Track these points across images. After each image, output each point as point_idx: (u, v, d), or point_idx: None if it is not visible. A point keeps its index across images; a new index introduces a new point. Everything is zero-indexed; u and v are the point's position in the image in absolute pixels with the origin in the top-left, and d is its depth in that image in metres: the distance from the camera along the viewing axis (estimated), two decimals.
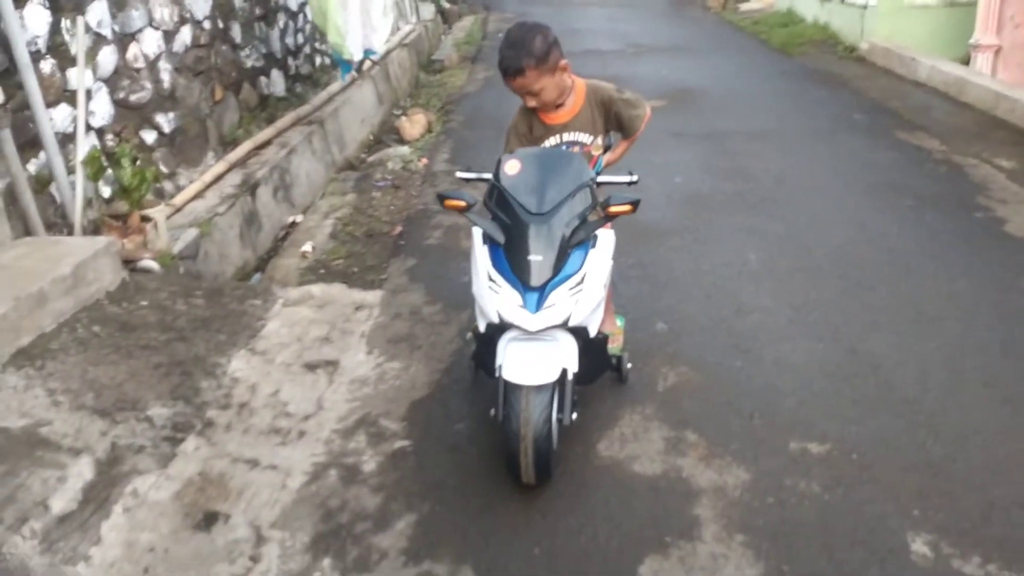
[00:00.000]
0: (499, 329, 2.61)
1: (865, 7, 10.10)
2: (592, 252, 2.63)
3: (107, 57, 4.27)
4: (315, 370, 3.32)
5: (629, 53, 10.99)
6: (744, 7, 14.67)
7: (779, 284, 4.09)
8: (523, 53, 2.76)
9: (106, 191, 4.17)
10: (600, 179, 2.77)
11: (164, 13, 4.84)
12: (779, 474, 2.68)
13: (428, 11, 12.49)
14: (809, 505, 2.54)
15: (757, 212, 5.09)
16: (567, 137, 2.96)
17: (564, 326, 2.56)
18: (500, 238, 2.57)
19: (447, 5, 14.64)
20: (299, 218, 5.49)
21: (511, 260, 2.55)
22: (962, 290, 3.98)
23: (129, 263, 3.83)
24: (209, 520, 2.48)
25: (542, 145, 2.96)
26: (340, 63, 6.82)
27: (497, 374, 2.55)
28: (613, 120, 3.01)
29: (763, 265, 4.31)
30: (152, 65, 4.69)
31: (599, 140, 3.00)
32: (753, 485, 2.63)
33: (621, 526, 2.48)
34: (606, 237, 2.73)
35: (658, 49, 11.26)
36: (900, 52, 9.13)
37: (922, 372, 3.27)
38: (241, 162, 5.37)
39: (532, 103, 2.88)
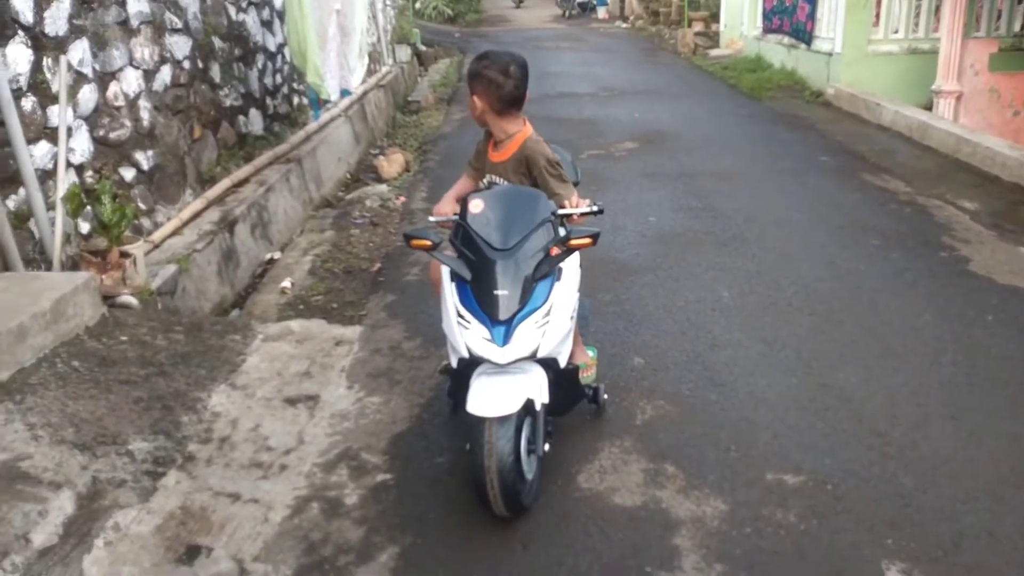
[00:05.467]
0: (470, 364, 2.66)
1: (831, 54, 10.42)
2: (557, 284, 2.70)
3: (87, 95, 4.30)
4: (296, 405, 3.33)
5: (602, 96, 11.20)
6: (714, 53, 15.03)
7: (751, 319, 4.17)
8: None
9: (84, 227, 4.17)
10: (563, 211, 2.84)
11: (145, 53, 4.89)
12: (756, 505, 2.73)
13: (404, 53, 12.67)
14: (786, 535, 2.59)
15: (728, 250, 5.20)
16: (494, 180, 3.05)
17: (533, 358, 2.62)
18: (467, 275, 2.64)
19: (423, 48, 14.85)
20: (277, 255, 5.51)
21: (478, 296, 2.62)
22: (927, 326, 4.09)
23: (108, 299, 3.82)
24: (191, 554, 2.47)
25: (483, 180, 3.08)
26: (314, 103, 6.90)
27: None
28: (532, 183, 3.01)
29: (735, 301, 4.41)
30: (132, 103, 4.73)
31: None
32: (731, 515, 2.68)
33: (602, 557, 2.51)
34: (571, 269, 2.80)
35: (630, 93, 11.49)
36: (865, 97, 9.41)
37: (891, 405, 3.35)
38: (219, 199, 5.39)
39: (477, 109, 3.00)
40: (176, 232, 4.79)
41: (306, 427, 3.18)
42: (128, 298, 3.90)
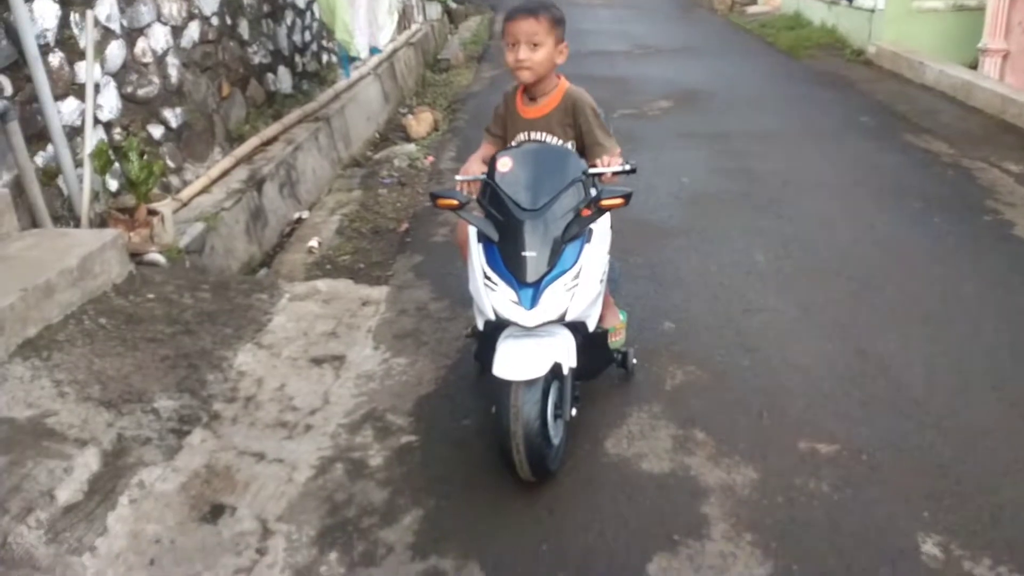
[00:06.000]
0: (497, 327, 2.60)
1: (873, 11, 10.09)
2: (587, 246, 2.62)
3: (115, 51, 4.27)
4: (321, 365, 3.31)
5: (636, 54, 10.98)
6: (751, 10, 14.66)
7: (786, 284, 4.07)
8: (543, 7, 2.78)
9: (113, 184, 4.16)
10: (594, 170, 2.73)
11: (172, 8, 4.84)
12: (788, 473, 2.66)
13: (435, 11, 12.49)
14: (818, 505, 2.53)
15: (764, 212, 5.07)
16: (534, 135, 2.92)
17: (561, 321, 2.55)
18: (494, 236, 2.57)
19: (453, 5, 14.65)
20: (305, 214, 5.49)
21: (506, 257, 2.54)
22: (970, 293, 3.96)
23: (135, 256, 3.82)
24: (215, 512, 2.47)
25: (513, 139, 2.95)
26: (344, 61, 6.82)
27: None
28: (577, 134, 2.91)
29: (770, 265, 4.30)
30: (160, 60, 4.69)
31: (569, 146, 2.90)
32: (762, 484, 2.61)
33: (629, 523, 2.47)
34: (601, 231, 2.72)
35: (665, 50, 11.25)
36: (908, 56, 9.11)
37: (930, 374, 3.25)
38: (247, 158, 5.36)
39: (523, 55, 2.76)
40: (204, 190, 4.78)
41: (332, 387, 3.16)
42: (156, 256, 3.89)
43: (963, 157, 6.13)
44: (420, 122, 7.42)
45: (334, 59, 7.66)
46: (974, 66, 8.82)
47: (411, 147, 6.86)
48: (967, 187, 5.47)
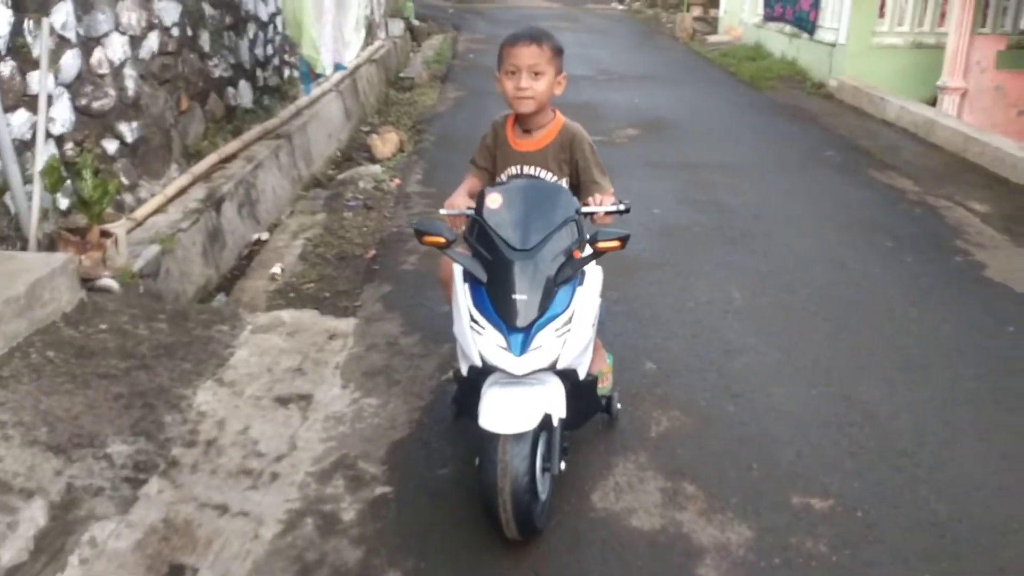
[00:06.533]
0: (482, 372, 2.44)
1: (834, 45, 10.23)
2: (580, 290, 2.48)
3: (70, 61, 4.03)
4: (287, 405, 3.11)
5: (600, 80, 10.95)
6: (712, 39, 14.81)
7: (765, 324, 3.99)
8: (544, 35, 2.71)
9: (63, 203, 3.92)
10: (587, 209, 2.61)
11: (132, 18, 4.61)
12: (783, 531, 2.55)
13: (397, 28, 12.33)
14: (817, 566, 2.41)
15: (737, 247, 5.02)
16: (527, 170, 2.81)
17: (552, 369, 2.41)
18: (482, 276, 2.42)
19: (416, 23, 14.51)
20: (265, 235, 5.27)
21: (494, 299, 2.39)
22: (948, 336, 3.93)
23: (87, 281, 3.58)
24: (174, 574, 2.25)
25: (502, 173, 2.83)
26: (304, 77, 6.60)
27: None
28: (573, 170, 2.82)
29: (747, 303, 4.22)
30: (117, 71, 4.45)
31: (563, 183, 2.80)
32: (757, 543, 2.49)
33: None
34: (594, 273, 2.59)
35: (629, 77, 11.26)
36: (869, 91, 9.24)
37: (917, 423, 3.19)
38: (205, 176, 5.13)
39: (524, 83, 2.66)
40: (160, 209, 4.54)
41: (299, 430, 2.96)
42: (108, 281, 3.66)
43: (928, 195, 6.18)
44: (385, 142, 7.24)
45: (296, 74, 7.45)
46: (932, 102, 8.97)
47: (376, 168, 6.67)
48: (935, 226, 5.50)
